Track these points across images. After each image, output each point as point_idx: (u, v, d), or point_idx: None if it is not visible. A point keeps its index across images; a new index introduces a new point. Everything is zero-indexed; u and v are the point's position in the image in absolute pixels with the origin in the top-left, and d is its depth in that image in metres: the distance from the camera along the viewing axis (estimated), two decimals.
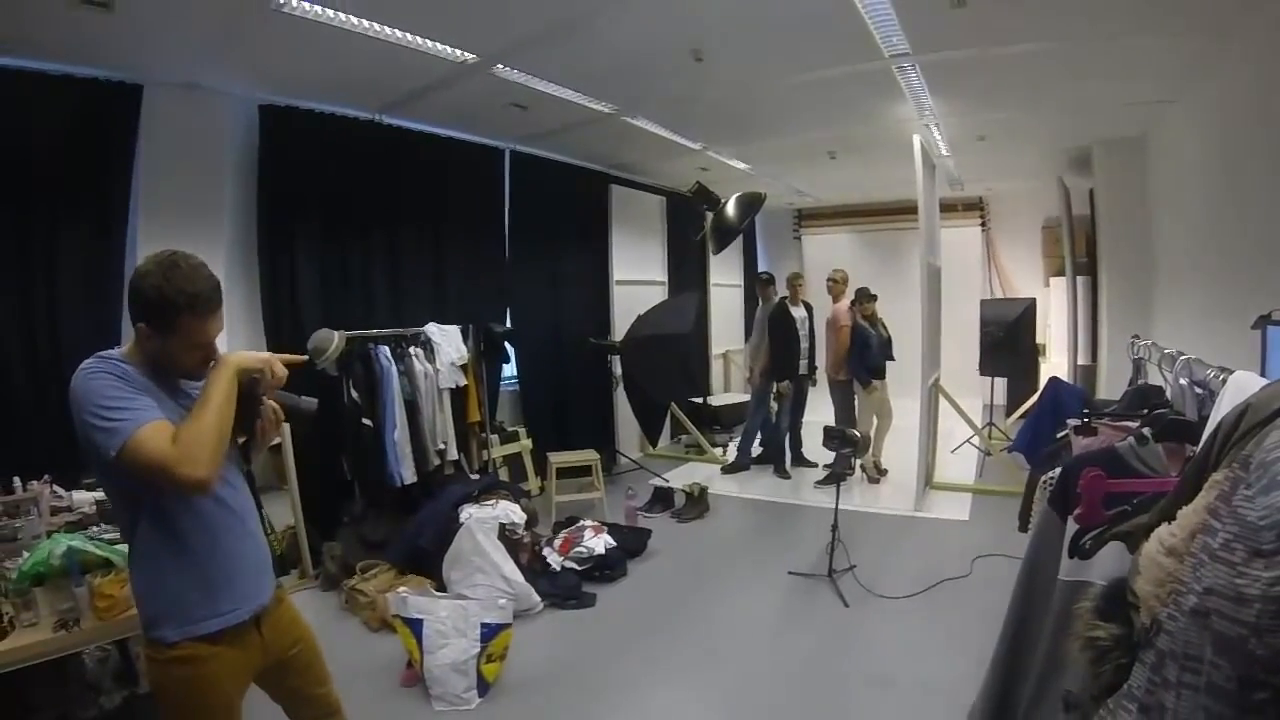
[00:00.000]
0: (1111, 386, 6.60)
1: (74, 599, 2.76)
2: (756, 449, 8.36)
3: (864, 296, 7.63)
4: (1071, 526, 1.93)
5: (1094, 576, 1.86)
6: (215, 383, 1.92)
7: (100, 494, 3.73)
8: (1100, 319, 7.83)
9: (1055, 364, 9.37)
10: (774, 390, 7.92)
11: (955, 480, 7.47)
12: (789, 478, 7.91)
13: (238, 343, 4.95)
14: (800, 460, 8.18)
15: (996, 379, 8.97)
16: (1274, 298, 3.48)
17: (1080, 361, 8.37)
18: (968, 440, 8.35)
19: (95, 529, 3.30)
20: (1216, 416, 1.61)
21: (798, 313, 7.85)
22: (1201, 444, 1.27)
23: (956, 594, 4.94)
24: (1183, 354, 2.27)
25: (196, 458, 1.80)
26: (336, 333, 5.06)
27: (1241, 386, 1.61)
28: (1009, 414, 9.29)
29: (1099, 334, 7.91)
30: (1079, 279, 8.52)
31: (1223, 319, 4.76)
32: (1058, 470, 2.24)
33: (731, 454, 8.74)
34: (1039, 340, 9.48)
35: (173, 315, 1.88)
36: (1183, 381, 2.16)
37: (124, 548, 2.65)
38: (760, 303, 8.52)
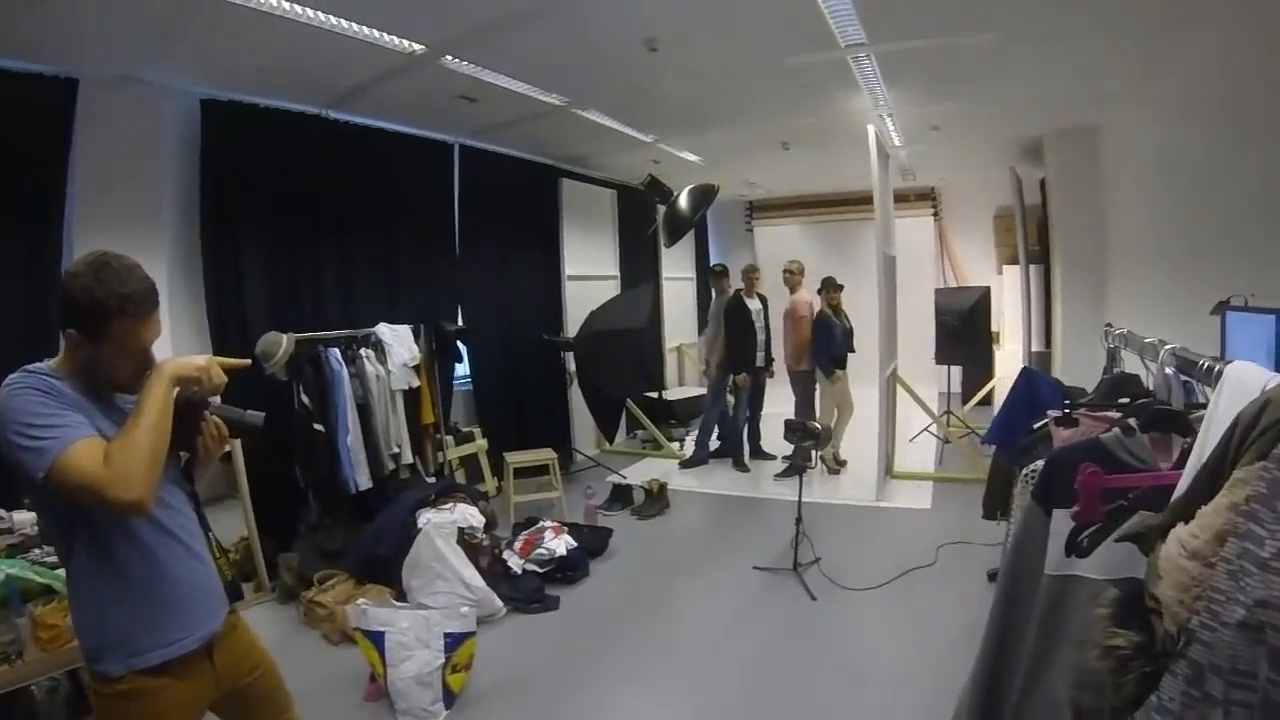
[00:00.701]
0: (1069, 372, 6.66)
1: (15, 630, 2.61)
2: (714, 443, 8.32)
3: (831, 285, 7.64)
4: (1059, 520, 1.90)
5: (1084, 570, 1.84)
6: (149, 394, 1.78)
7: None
8: (1055, 306, 7.91)
9: (1010, 351, 9.51)
10: (730, 383, 7.90)
11: (915, 469, 7.51)
12: (748, 471, 7.90)
13: (183, 348, 4.79)
14: (759, 453, 8.17)
15: (952, 367, 9.02)
16: (1230, 284, 3.50)
17: (1035, 348, 8.46)
18: (926, 429, 8.40)
19: (37, 551, 3.14)
20: (1215, 408, 1.56)
21: (753, 305, 7.84)
22: (1217, 441, 1.21)
23: (923, 583, 4.96)
24: (1165, 343, 2.23)
25: (130, 477, 1.67)
26: (285, 335, 4.90)
27: (1240, 379, 1.56)
28: (965, 401, 9.37)
29: (1053, 321, 8.00)
30: (1032, 267, 8.61)
31: (1179, 305, 4.81)
32: (1039, 463, 2.20)
33: (689, 449, 8.70)
34: (994, 328, 9.55)
35: (104, 319, 1.75)
36: (1168, 371, 2.13)
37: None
38: (714, 295, 8.48)
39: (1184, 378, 2.10)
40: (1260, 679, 0.86)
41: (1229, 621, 0.92)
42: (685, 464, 8.20)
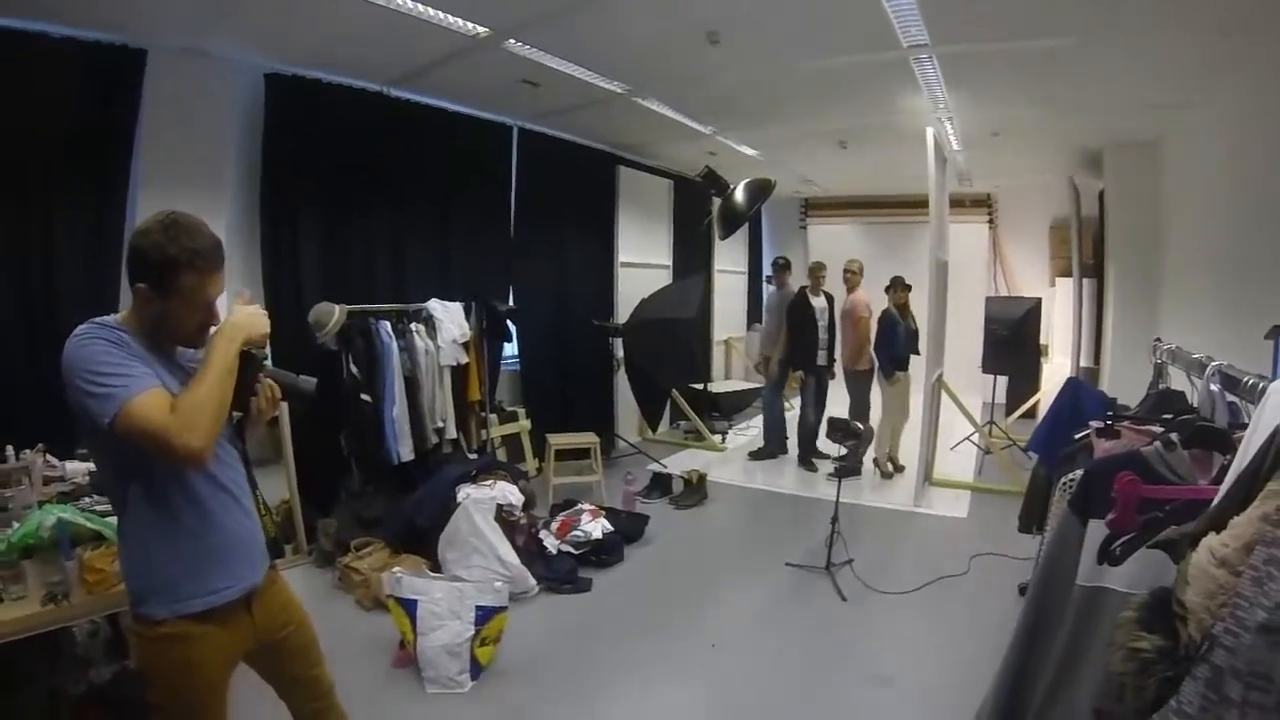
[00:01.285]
0: (1115, 390, 6.54)
1: (63, 572, 2.68)
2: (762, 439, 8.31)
3: (899, 285, 7.52)
4: (1094, 530, 1.88)
5: (1113, 583, 1.82)
6: (216, 350, 1.84)
7: (93, 465, 3.68)
8: (1105, 322, 7.79)
9: (1058, 365, 9.37)
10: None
11: (954, 477, 7.43)
12: (816, 470, 7.80)
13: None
14: (818, 453, 8.02)
15: (999, 377, 8.92)
16: None
17: (1083, 364, 8.34)
18: (968, 437, 8.30)
19: (87, 500, 3.23)
20: (1257, 425, 1.55)
21: (817, 302, 7.75)
22: (1255, 452, 1.21)
23: (954, 592, 4.91)
24: (1212, 359, 2.21)
25: (195, 427, 1.72)
26: (337, 306, 5.00)
27: None
28: (1009, 413, 9.26)
29: (1103, 337, 7.88)
30: (1085, 281, 8.48)
31: (1233, 327, 4.73)
32: (1078, 472, 2.19)
33: (731, 442, 8.76)
34: (1042, 341, 9.42)
35: (174, 273, 1.81)
36: (1213, 388, 2.11)
37: (115, 520, 2.62)
38: (775, 289, 8.44)
39: (1229, 397, 2.08)
40: (1277, 681, 0.86)
41: (1251, 625, 0.93)
42: (754, 455, 8.17)
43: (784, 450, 8.19)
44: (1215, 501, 1.25)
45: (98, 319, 1.84)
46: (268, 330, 1.99)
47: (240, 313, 1.96)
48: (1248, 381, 1.84)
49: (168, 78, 4.53)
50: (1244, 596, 0.98)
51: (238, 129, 5.06)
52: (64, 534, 2.76)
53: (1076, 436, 2.64)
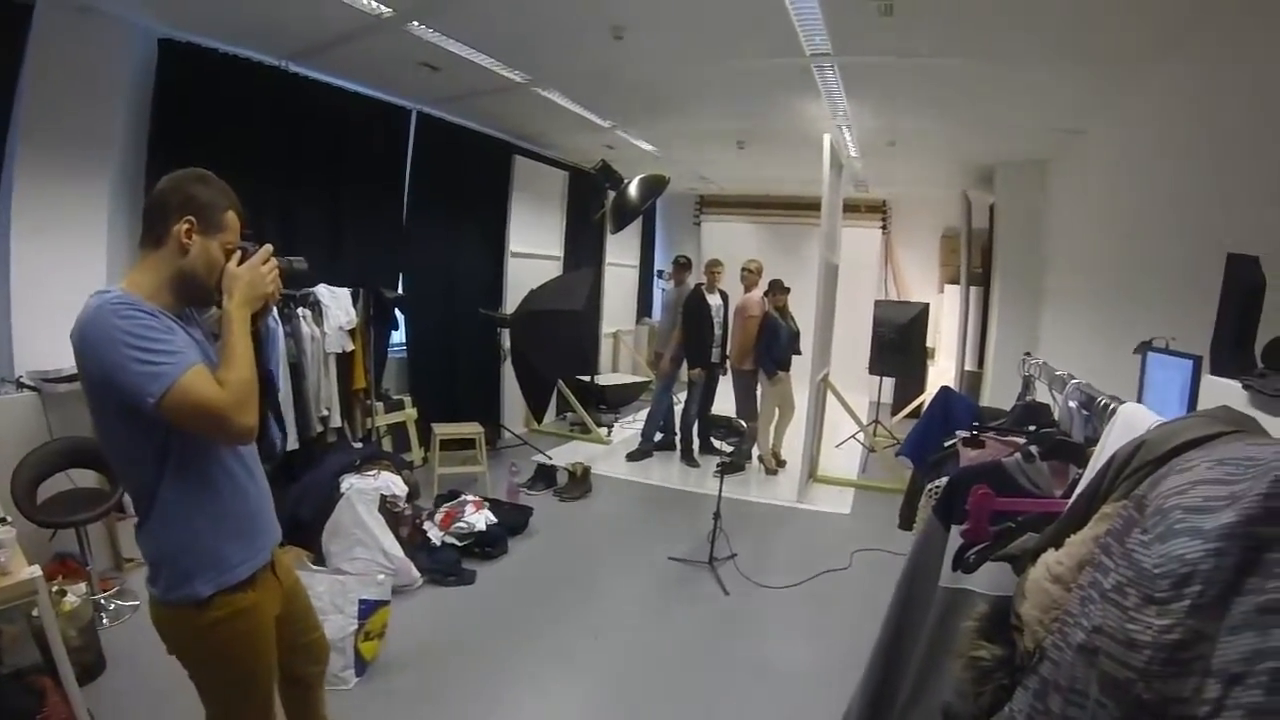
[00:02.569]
0: (996, 395, 6.86)
1: None
2: (659, 435, 8.37)
3: (778, 288, 7.68)
4: (956, 535, 1.98)
5: (974, 585, 1.92)
6: (237, 323, 1.88)
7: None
8: (990, 328, 8.13)
9: (943, 368, 9.70)
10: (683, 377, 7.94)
11: (838, 474, 7.64)
12: (698, 466, 7.89)
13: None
14: (709, 449, 8.11)
15: (885, 378, 9.18)
16: (1154, 327, 3.65)
17: (968, 367, 8.66)
18: (853, 436, 8.53)
19: None
20: (1104, 445, 1.66)
21: (713, 300, 7.78)
22: (1093, 475, 1.30)
23: (835, 586, 5.07)
24: (1073, 377, 2.34)
25: (245, 405, 1.79)
26: None
27: (1129, 419, 1.66)
28: (894, 413, 9.55)
29: (987, 343, 8.21)
30: (972, 289, 8.81)
31: (1107, 340, 4.98)
32: (943, 480, 2.30)
33: (616, 434, 8.79)
34: (929, 344, 9.72)
35: (221, 210, 1.93)
36: (1071, 404, 2.23)
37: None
38: (673, 286, 8.50)
39: (1085, 412, 2.21)
40: (1090, 699, 0.93)
41: (1072, 643, 1.00)
42: (631, 456, 8.16)
43: (671, 446, 8.26)
44: (1057, 520, 1.34)
45: (108, 292, 1.77)
46: (274, 290, 2.02)
47: (243, 276, 1.94)
48: (1100, 402, 1.96)
49: (54, 36, 4.28)
50: (1070, 614, 1.05)
51: (127, 93, 4.82)
52: None
53: (945, 444, 2.76)
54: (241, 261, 1.95)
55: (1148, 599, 0.89)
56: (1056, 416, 2.52)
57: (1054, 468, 2.09)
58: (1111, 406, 1.82)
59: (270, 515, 2.14)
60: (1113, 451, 1.29)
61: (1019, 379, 3.48)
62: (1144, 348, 3.43)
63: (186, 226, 1.85)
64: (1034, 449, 2.08)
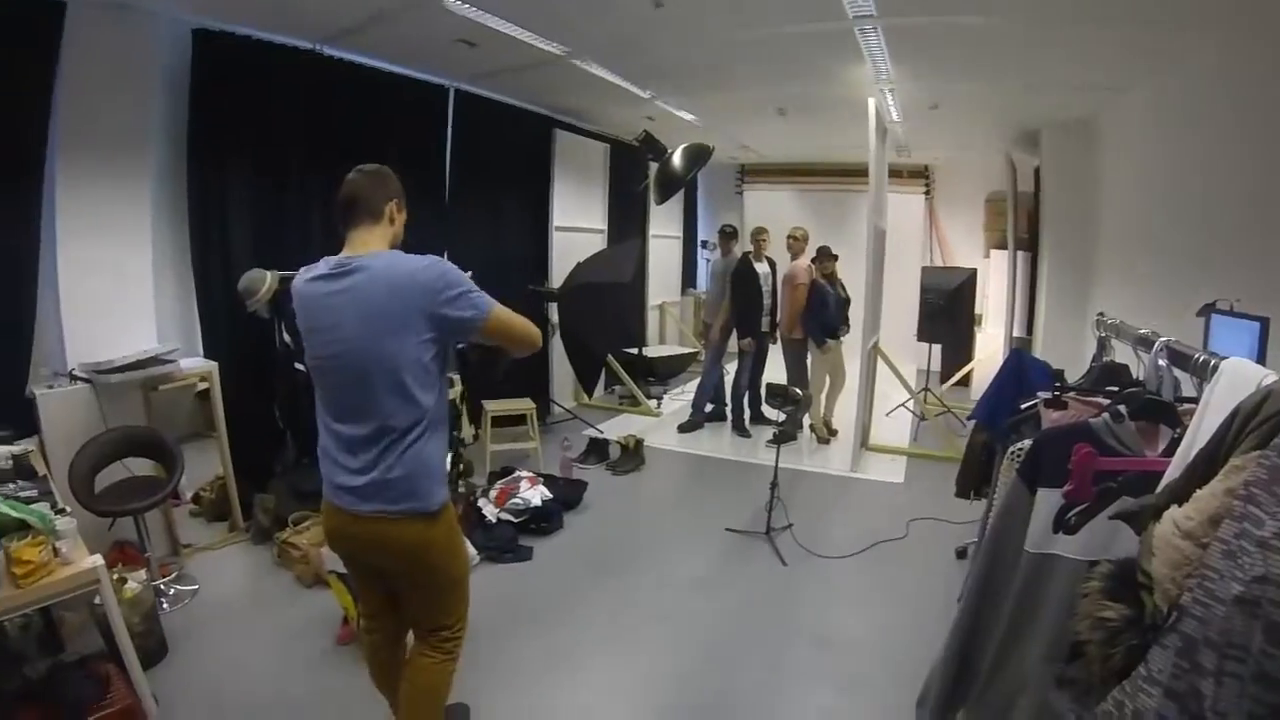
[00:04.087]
0: (1048, 359, 6.70)
1: None
2: (710, 406, 8.33)
3: (825, 255, 7.60)
4: (1042, 498, 1.92)
5: (1062, 550, 1.87)
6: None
7: (17, 448, 3.55)
8: (1039, 293, 7.95)
9: (991, 334, 9.59)
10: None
11: (890, 443, 7.56)
12: (749, 436, 7.86)
13: (164, 283, 4.84)
14: (760, 419, 8.11)
15: (933, 346, 9.06)
16: (1214, 287, 3.54)
17: (1016, 334, 8.51)
18: (903, 404, 8.44)
19: (12, 486, 3.12)
20: (1209, 401, 1.58)
21: (761, 268, 7.71)
22: (1217, 428, 1.23)
23: (892, 555, 5.02)
24: (1159, 335, 2.26)
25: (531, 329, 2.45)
26: (269, 272, 4.82)
27: (1234, 374, 1.59)
28: (943, 380, 9.43)
29: (1036, 308, 8.05)
30: (1019, 254, 8.65)
31: (1162, 303, 4.87)
32: (1026, 442, 2.22)
33: (666, 406, 8.76)
34: (977, 311, 9.60)
35: (402, 192, 2.54)
36: (1161, 362, 2.15)
37: (41, 507, 2.80)
38: (720, 256, 8.43)
39: (1176, 372, 2.12)
40: (1254, 651, 0.88)
41: (1224, 597, 0.95)
42: (682, 428, 8.14)
43: (722, 417, 8.22)
44: (1177, 475, 1.28)
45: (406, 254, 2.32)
46: None
47: None
48: (1199, 358, 1.87)
49: (88, 33, 4.24)
50: (1213, 569, 1.00)
51: (164, 86, 4.80)
52: None
53: (1023, 406, 2.68)
54: None
55: None
56: (1139, 376, 2.43)
57: (1142, 428, 2.02)
58: (1213, 363, 1.74)
59: None
60: (1220, 405, 1.24)
61: (1072, 343, 3.41)
62: (1208, 310, 3.32)
63: (394, 205, 2.47)
64: (1122, 409, 2.00)
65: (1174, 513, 1.16)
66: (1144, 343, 2.35)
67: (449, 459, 2.48)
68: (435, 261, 2.25)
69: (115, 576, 3.36)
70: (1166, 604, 1.10)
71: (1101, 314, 3.11)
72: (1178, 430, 1.87)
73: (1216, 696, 0.92)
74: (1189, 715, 0.96)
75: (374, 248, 2.34)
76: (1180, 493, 1.20)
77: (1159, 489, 1.35)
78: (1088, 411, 2.19)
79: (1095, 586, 1.30)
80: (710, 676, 3.66)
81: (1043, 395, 2.49)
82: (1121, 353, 2.86)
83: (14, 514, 2.68)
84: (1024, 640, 1.96)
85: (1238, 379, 1.54)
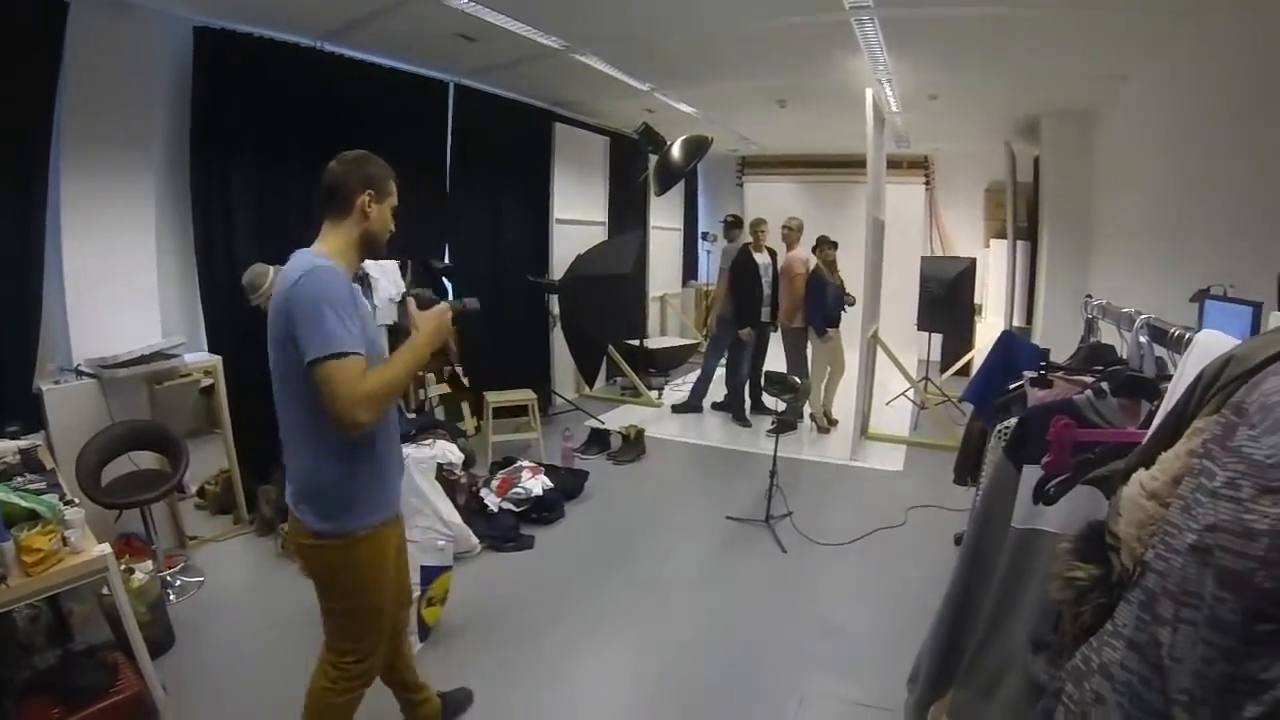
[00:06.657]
0: (1048, 348, 6.73)
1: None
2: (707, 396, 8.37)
3: (825, 243, 7.66)
4: (1028, 475, 1.95)
5: (1046, 525, 1.90)
6: (417, 353, 2.30)
7: (25, 442, 3.60)
8: (1038, 283, 7.98)
9: (991, 324, 9.58)
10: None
11: (890, 431, 7.59)
12: (750, 426, 7.89)
13: (168, 279, 4.88)
14: (761, 408, 8.15)
15: (933, 335, 9.09)
16: (1209, 274, 3.57)
17: (1016, 323, 8.54)
18: (903, 393, 8.48)
19: (20, 479, 3.17)
20: (1182, 373, 1.63)
21: (761, 258, 7.75)
22: (1180, 394, 1.28)
23: (891, 542, 5.06)
24: (1140, 313, 2.30)
25: (372, 404, 2.07)
26: (272, 268, 4.85)
27: (1205, 346, 1.63)
28: (943, 370, 9.46)
29: (1036, 297, 8.07)
30: (1019, 243, 8.68)
31: (1159, 291, 4.88)
32: (1013, 420, 2.26)
33: (667, 397, 8.81)
34: (976, 300, 9.62)
35: (388, 181, 2.40)
36: (1142, 339, 2.19)
37: (50, 499, 2.84)
38: (728, 243, 8.46)
39: (1157, 350, 2.17)
40: (1206, 597, 0.92)
41: (1179, 548, 0.99)
42: (677, 408, 8.23)
43: (726, 407, 8.27)
44: (1145, 440, 1.32)
45: (314, 254, 2.21)
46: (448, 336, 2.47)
47: (431, 322, 2.37)
48: (1174, 333, 1.92)
49: (91, 32, 4.27)
50: (1173, 524, 1.04)
51: (166, 84, 4.84)
52: None
53: (1010, 386, 2.72)
54: (423, 307, 2.43)
55: (1263, 489, 0.90)
56: (1124, 355, 2.47)
57: (1124, 404, 2.06)
58: (1187, 336, 1.78)
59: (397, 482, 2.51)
60: (1190, 375, 1.28)
61: (1071, 333, 3.43)
62: (1201, 296, 3.36)
63: (367, 198, 2.30)
64: (1105, 385, 2.04)
65: (1140, 475, 1.20)
66: (1128, 321, 2.39)
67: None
68: (306, 276, 2.07)
69: (122, 567, 3.39)
70: (1132, 562, 1.14)
71: (1089, 295, 3.14)
72: (1155, 404, 1.91)
73: (1173, 643, 0.96)
74: (1149, 664, 1.01)
75: (328, 243, 2.28)
76: (1147, 456, 1.25)
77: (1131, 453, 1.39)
78: (1073, 390, 2.22)
79: (1066, 548, 1.34)
80: (710, 662, 3.70)
81: (1029, 374, 2.53)
82: (1110, 334, 2.90)
83: (24, 504, 2.73)
84: (1011, 616, 1.99)
85: (1209, 349, 1.58)
